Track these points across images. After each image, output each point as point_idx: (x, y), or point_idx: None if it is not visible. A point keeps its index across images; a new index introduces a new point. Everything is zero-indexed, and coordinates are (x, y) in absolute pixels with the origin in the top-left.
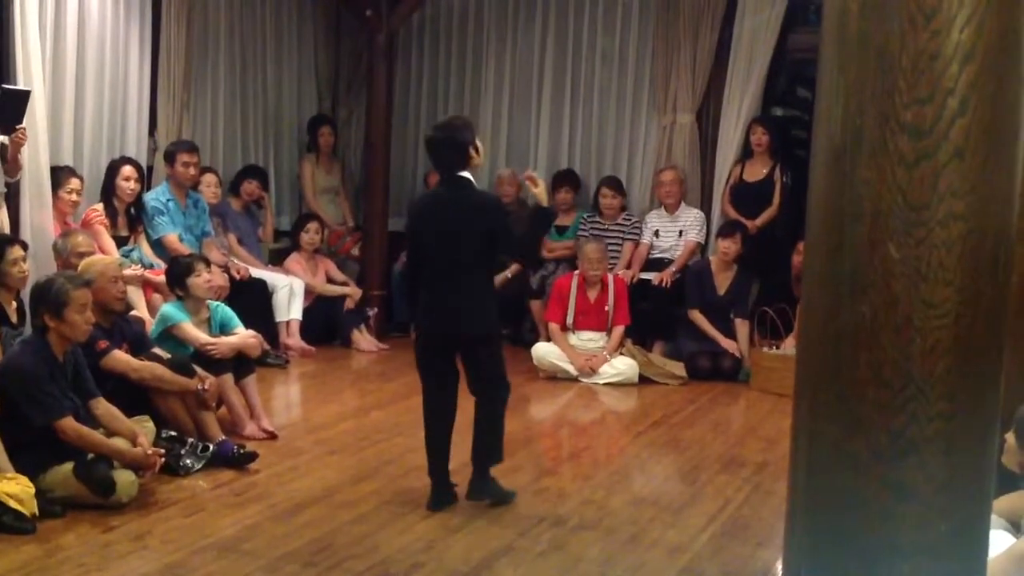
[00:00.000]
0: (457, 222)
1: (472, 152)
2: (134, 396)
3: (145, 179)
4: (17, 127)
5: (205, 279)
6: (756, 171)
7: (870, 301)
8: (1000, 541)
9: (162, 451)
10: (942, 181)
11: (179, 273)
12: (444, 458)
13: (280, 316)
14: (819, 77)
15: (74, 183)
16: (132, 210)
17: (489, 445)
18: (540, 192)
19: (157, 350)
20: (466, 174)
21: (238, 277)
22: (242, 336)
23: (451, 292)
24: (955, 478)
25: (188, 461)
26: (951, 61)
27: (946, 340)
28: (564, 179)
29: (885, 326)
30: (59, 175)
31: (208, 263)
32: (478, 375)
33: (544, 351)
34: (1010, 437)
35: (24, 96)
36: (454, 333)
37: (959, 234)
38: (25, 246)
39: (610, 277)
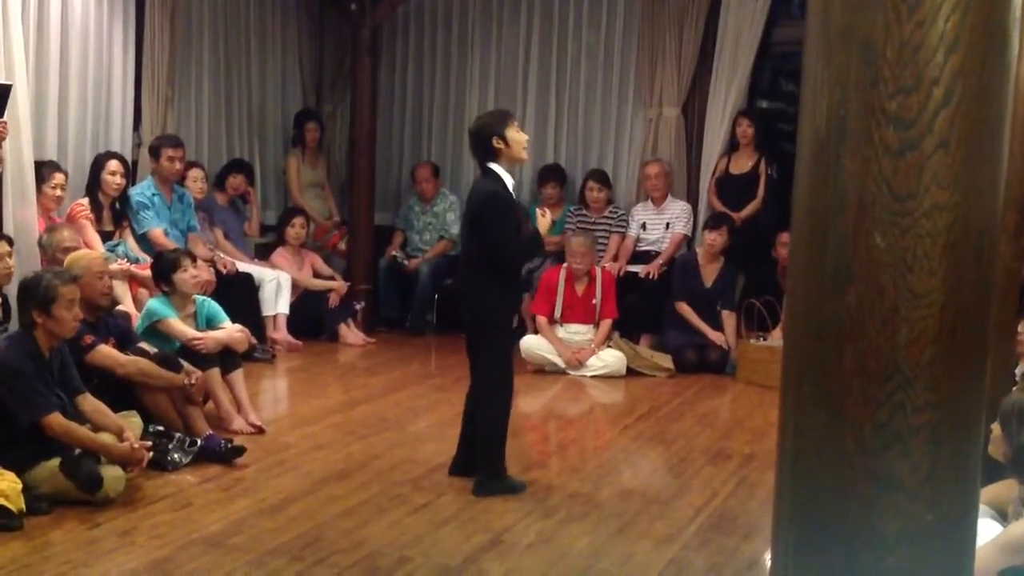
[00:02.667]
0: (468, 213)
1: (496, 143)
2: (120, 391)
3: (130, 174)
4: None
5: (191, 274)
6: (742, 164)
7: (855, 291)
8: (987, 530)
9: (149, 445)
10: (927, 171)
11: (165, 268)
12: (464, 434)
13: (267, 310)
14: (804, 69)
15: (58, 178)
16: (117, 205)
17: (477, 448)
18: (543, 223)
19: (143, 345)
20: (495, 167)
21: (224, 271)
22: (229, 331)
23: (462, 282)
24: (941, 468)
25: (175, 456)
26: (936, 51)
27: (931, 330)
28: (550, 173)
29: (871, 316)
30: (43, 170)
31: (194, 258)
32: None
33: (532, 344)
34: (996, 427)
35: (5, 90)
36: (464, 323)
37: (944, 224)
38: (10, 242)
39: (597, 270)
